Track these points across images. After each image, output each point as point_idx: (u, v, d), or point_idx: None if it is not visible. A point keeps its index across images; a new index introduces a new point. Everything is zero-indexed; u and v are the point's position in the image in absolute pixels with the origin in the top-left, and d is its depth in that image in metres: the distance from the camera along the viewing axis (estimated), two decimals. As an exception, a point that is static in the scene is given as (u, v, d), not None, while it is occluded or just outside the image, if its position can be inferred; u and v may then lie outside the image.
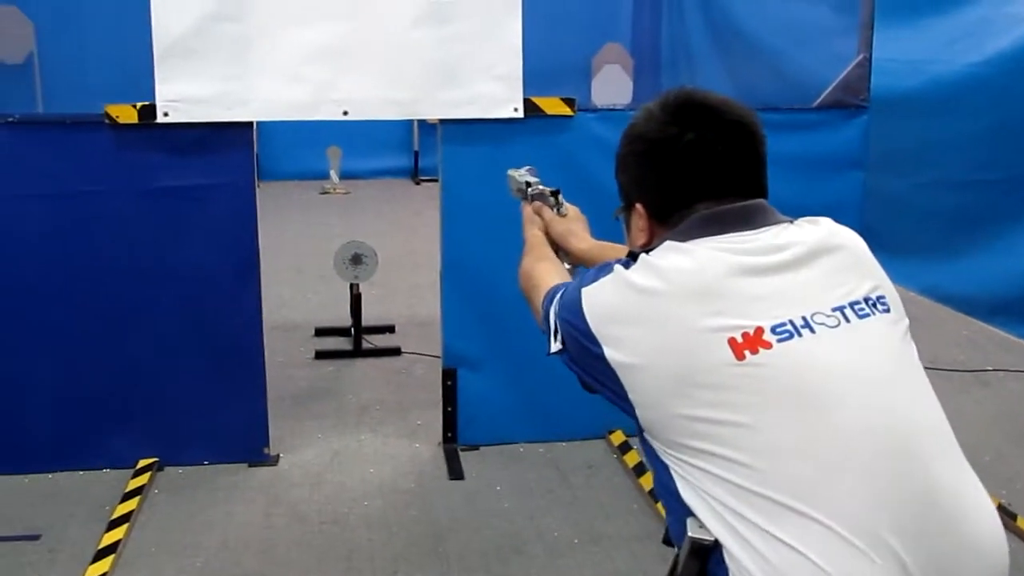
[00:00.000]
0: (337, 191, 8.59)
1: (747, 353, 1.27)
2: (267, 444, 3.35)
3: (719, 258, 1.36)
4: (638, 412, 1.34)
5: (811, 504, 1.21)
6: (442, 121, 3.23)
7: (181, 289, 3.20)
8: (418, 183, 8.95)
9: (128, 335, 3.19)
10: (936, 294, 5.06)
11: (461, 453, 3.41)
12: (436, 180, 3.46)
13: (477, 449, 3.44)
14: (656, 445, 1.34)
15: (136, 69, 3.11)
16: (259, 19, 3.03)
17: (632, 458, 3.31)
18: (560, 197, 2.08)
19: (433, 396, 3.56)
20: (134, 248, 3.15)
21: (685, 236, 1.40)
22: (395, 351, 4.40)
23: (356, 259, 4.35)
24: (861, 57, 3.44)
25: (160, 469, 3.27)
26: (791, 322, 1.30)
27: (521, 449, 3.45)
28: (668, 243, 1.40)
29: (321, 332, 4.63)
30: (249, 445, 3.33)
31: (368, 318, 4.49)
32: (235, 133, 3.12)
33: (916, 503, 1.25)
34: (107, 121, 3.06)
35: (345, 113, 3.11)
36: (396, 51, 3.08)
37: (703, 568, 1.27)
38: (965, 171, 4.87)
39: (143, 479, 3.15)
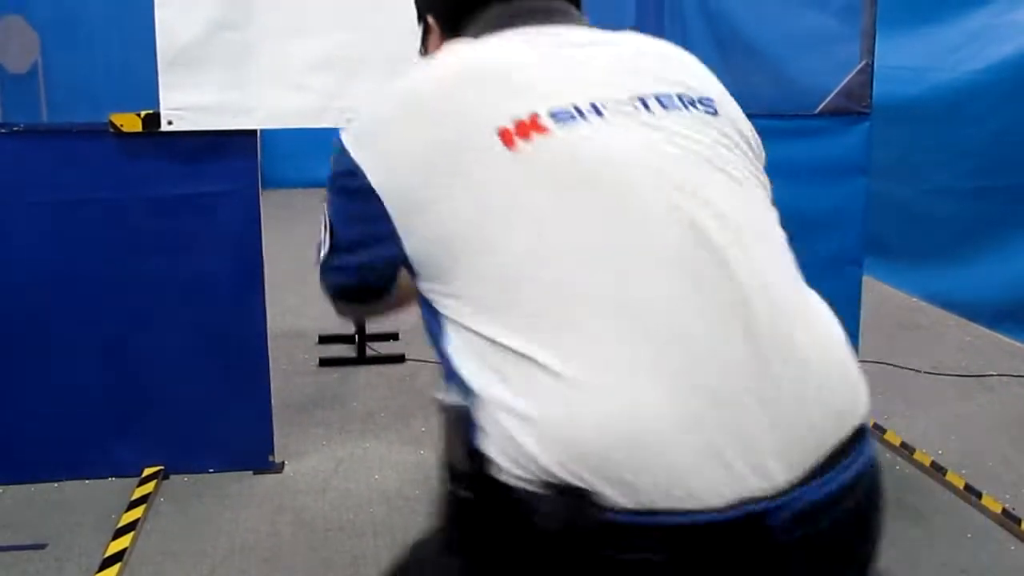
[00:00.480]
0: (339, 199, 8.60)
1: (519, 141, 1.08)
2: (272, 451, 3.36)
3: (498, 45, 1.22)
4: (406, 246, 1.15)
5: (584, 315, 1.01)
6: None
7: (187, 297, 3.20)
8: (421, 191, 8.98)
9: (133, 343, 3.20)
10: (940, 300, 5.07)
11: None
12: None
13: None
14: (426, 289, 1.14)
15: (140, 78, 3.13)
16: (264, 28, 3.04)
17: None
18: None
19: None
20: (139, 256, 3.16)
21: (475, 35, 1.26)
22: (399, 358, 4.41)
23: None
24: (863, 64, 3.44)
25: (166, 477, 3.27)
26: (575, 106, 1.11)
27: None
28: (454, 43, 1.26)
29: (325, 339, 4.63)
30: (254, 453, 3.33)
31: (372, 325, 4.49)
32: (239, 141, 3.13)
33: (731, 308, 1.05)
34: (112, 130, 3.07)
35: (349, 121, 3.11)
36: (400, 59, 3.08)
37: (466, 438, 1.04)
38: (968, 178, 4.87)
39: (149, 487, 3.16)
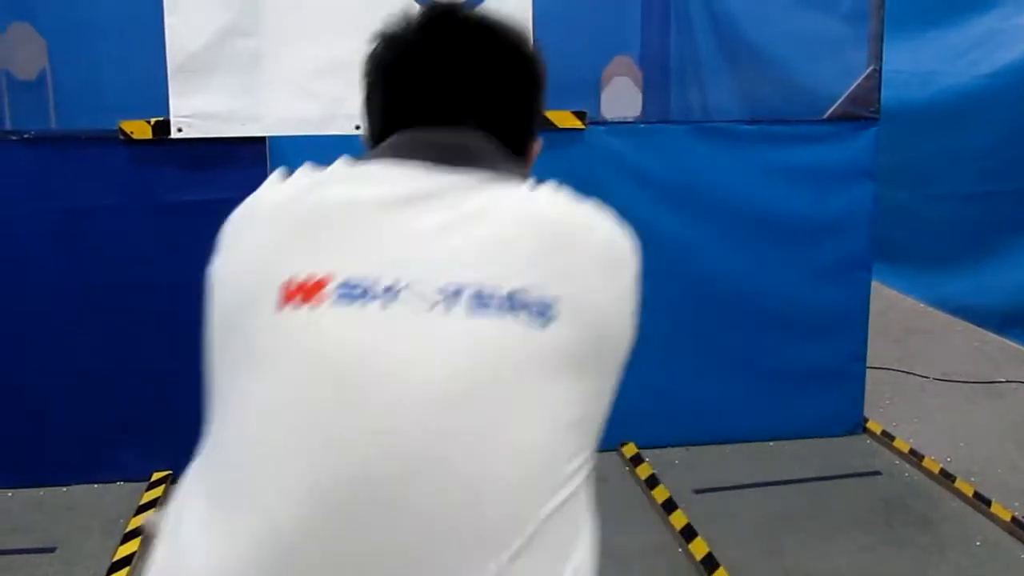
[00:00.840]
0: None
1: (289, 303, 0.98)
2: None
3: (358, 178, 1.09)
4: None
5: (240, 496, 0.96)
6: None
7: (195, 303, 3.20)
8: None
9: (142, 349, 3.21)
10: (948, 306, 5.05)
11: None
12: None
13: (489, 462, 3.44)
14: None
15: (150, 84, 3.14)
16: (272, 35, 3.05)
17: (644, 470, 3.31)
18: None
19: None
20: (149, 262, 3.16)
21: (368, 157, 1.13)
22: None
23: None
24: (871, 69, 3.45)
25: (174, 482, 3.27)
26: (372, 284, 0.98)
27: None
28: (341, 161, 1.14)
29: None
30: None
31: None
32: (248, 148, 3.13)
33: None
34: (121, 137, 3.08)
35: (357, 128, 3.11)
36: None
37: None
38: (976, 183, 4.86)
39: (157, 492, 3.16)
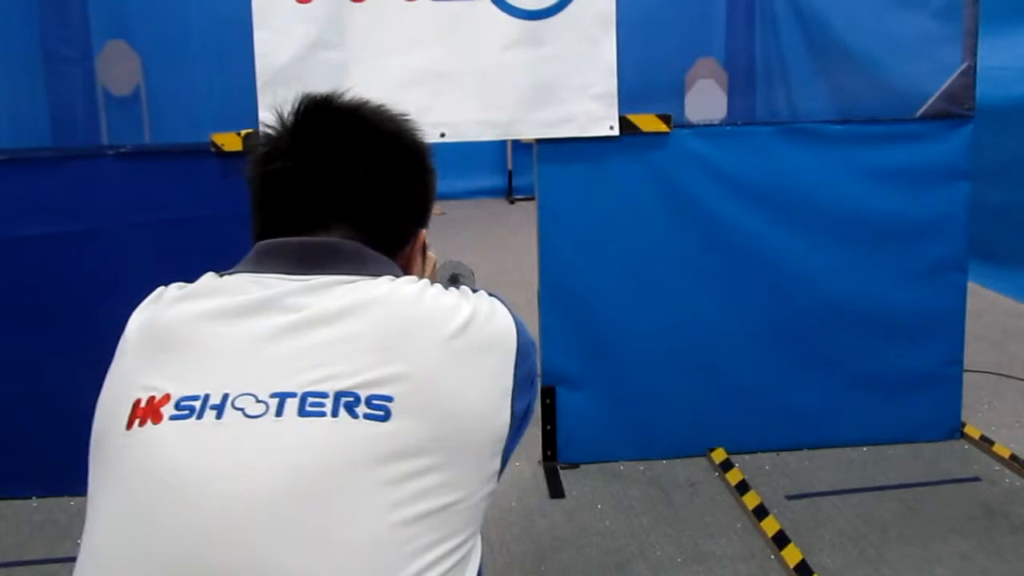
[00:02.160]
0: (433, 212, 8.68)
1: (136, 424, 1.02)
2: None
3: (195, 298, 1.12)
4: None
5: None
6: (538, 141, 3.25)
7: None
8: (512, 202, 9.00)
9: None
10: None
11: (561, 471, 3.41)
12: (531, 199, 3.48)
13: (577, 467, 3.44)
14: None
15: (240, 98, 3.20)
16: (358, 46, 3.09)
17: (735, 476, 3.27)
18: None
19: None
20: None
21: (233, 271, 1.16)
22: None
23: (454, 279, 4.37)
24: (965, 65, 3.36)
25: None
26: (207, 397, 1.01)
27: (621, 467, 3.44)
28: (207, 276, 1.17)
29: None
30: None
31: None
32: (336, 158, 3.18)
33: None
34: (213, 149, 3.15)
35: (442, 135, 3.15)
36: (491, 73, 3.12)
37: None
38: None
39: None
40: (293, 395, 1.00)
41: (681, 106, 3.76)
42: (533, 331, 3.45)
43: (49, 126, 4.24)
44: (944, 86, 3.39)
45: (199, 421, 1.00)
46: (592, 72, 3.15)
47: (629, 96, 3.23)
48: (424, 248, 1.33)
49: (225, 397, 1.01)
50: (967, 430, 3.58)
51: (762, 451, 3.48)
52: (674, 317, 3.39)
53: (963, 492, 3.20)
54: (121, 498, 1.01)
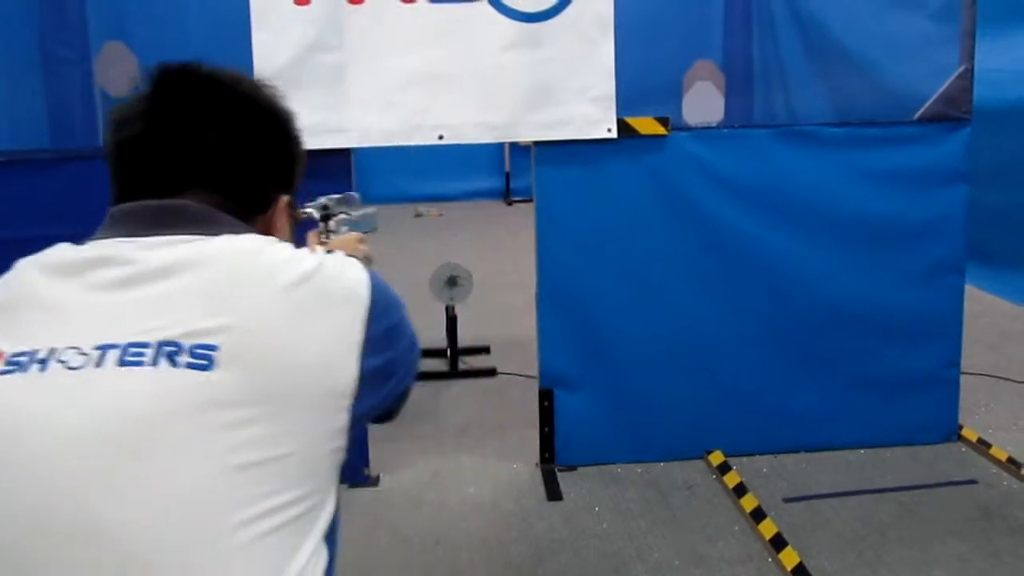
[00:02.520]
0: (431, 213, 8.70)
1: None
2: (368, 464, 3.40)
3: (42, 259, 1.12)
4: None
5: None
6: (536, 143, 3.25)
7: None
8: (510, 204, 9.01)
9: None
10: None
11: (559, 473, 3.41)
12: (529, 201, 3.48)
13: (575, 469, 3.44)
14: None
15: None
16: (356, 48, 3.09)
17: (732, 478, 3.27)
18: (330, 223, 1.94)
19: (530, 416, 3.56)
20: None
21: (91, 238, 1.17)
22: (491, 372, 4.43)
23: (452, 281, 4.40)
24: (963, 68, 3.36)
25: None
26: (35, 353, 1.03)
27: (619, 469, 3.44)
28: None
29: (417, 353, 4.67)
30: (350, 466, 3.37)
31: (463, 339, 4.53)
32: (333, 160, 3.18)
33: None
34: (211, 151, 3.14)
35: (440, 137, 3.15)
36: (490, 75, 3.12)
37: None
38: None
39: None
40: (116, 346, 1.02)
41: (678, 108, 3.77)
42: (530, 333, 3.47)
43: (47, 128, 4.24)
44: (942, 88, 3.39)
45: (24, 375, 1.02)
46: (590, 74, 3.15)
47: (626, 98, 3.23)
48: (291, 213, 1.31)
49: (52, 352, 1.02)
50: (964, 432, 3.58)
51: (760, 453, 3.48)
52: (672, 319, 3.39)
53: (961, 494, 3.20)
54: None
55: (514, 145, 8.35)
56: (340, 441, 1.08)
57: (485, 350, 4.69)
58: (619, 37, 3.18)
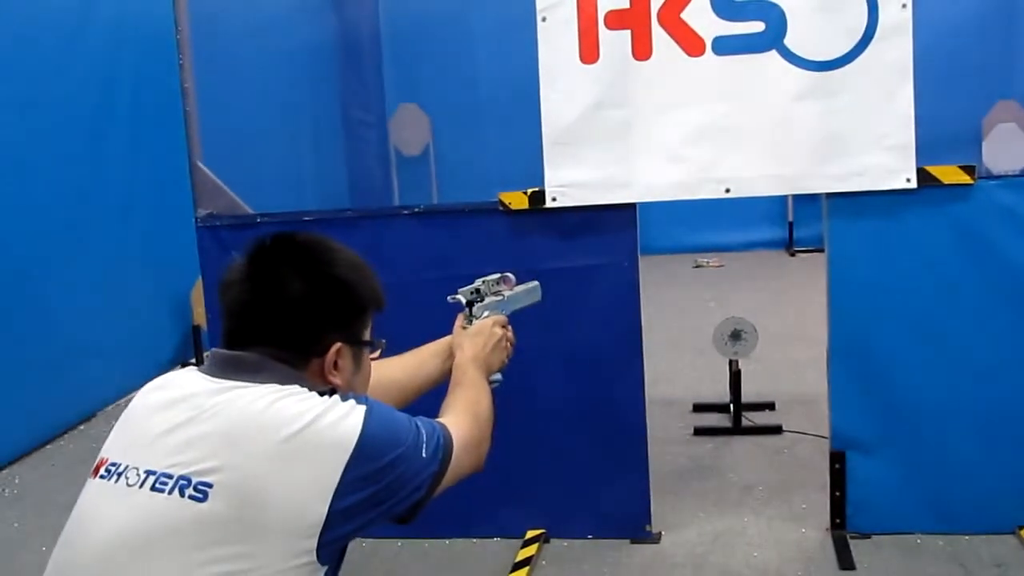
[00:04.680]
0: (711, 264, 8.58)
1: (90, 475, 1.48)
2: (649, 521, 3.36)
3: (151, 388, 1.54)
4: None
5: None
6: (828, 194, 3.12)
7: (568, 366, 3.30)
8: (793, 255, 8.73)
9: (518, 412, 3.32)
10: None
11: (851, 541, 3.23)
12: (813, 251, 3.37)
13: (868, 537, 3.24)
14: None
15: (525, 158, 3.29)
16: (641, 104, 3.10)
17: (1050, 557, 2.98)
18: (474, 308, 2.17)
19: (818, 478, 3.41)
20: (525, 328, 3.28)
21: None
22: (776, 429, 4.28)
23: (736, 335, 4.30)
24: None
25: (547, 541, 3.36)
26: (122, 466, 1.43)
27: (918, 540, 3.21)
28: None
29: (699, 408, 4.60)
30: (632, 522, 3.35)
31: (747, 394, 4.40)
32: (618, 214, 3.20)
33: None
34: (500, 208, 3.25)
35: (727, 191, 3.10)
36: (780, 126, 3.04)
37: None
38: None
39: (531, 550, 3.26)
40: (154, 473, 1.39)
41: (977, 154, 3.54)
42: (816, 390, 3.32)
43: (347, 187, 4.54)
44: None
45: (108, 483, 1.43)
46: (887, 122, 3.00)
47: (922, 145, 3.06)
48: (356, 357, 1.61)
49: (126, 467, 1.42)
50: None
51: (1082, 530, 3.16)
52: (979, 381, 3.14)
53: None
54: (67, 525, 1.48)
55: (797, 194, 8.11)
56: (307, 558, 1.37)
57: (770, 406, 4.54)
58: (919, 80, 3.02)
